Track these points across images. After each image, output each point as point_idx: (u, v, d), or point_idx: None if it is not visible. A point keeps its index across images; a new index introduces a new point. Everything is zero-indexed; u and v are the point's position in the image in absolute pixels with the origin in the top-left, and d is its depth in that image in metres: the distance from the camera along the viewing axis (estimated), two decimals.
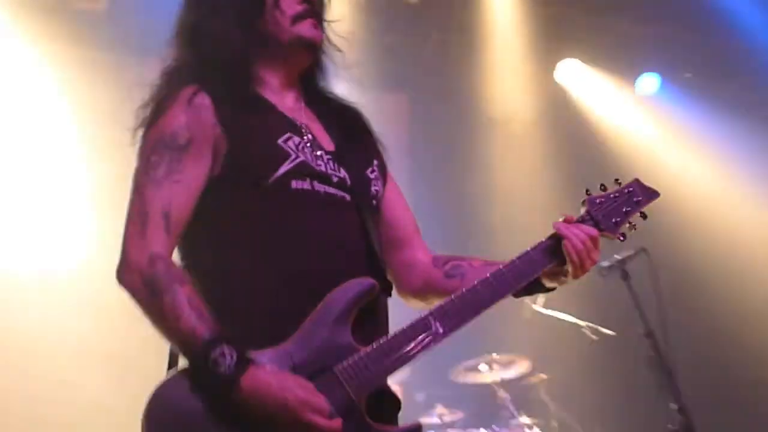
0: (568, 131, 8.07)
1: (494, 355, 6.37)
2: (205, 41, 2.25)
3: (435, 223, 7.23)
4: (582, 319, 6.30)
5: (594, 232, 2.23)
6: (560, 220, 2.17)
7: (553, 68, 7.98)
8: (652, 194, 2.45)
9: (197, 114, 2.07)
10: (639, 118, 8.14)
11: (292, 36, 2.28)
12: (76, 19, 6.67)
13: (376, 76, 7.21)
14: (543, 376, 6.48)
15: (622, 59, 7.99)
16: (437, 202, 7.29)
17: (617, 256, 4.84)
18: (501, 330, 6.54)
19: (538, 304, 6.32)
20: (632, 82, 8.13)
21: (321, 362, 1.96)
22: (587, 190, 2.38)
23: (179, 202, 2.01)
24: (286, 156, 2.12)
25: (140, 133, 2.10)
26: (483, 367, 6.37)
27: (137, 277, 1.87)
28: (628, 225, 2.39)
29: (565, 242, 2.18)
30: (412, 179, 7.61)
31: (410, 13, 7.42)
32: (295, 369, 1.94)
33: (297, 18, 2.30)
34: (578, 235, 2.19)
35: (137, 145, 2.07)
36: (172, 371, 1.94)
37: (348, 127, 2.46)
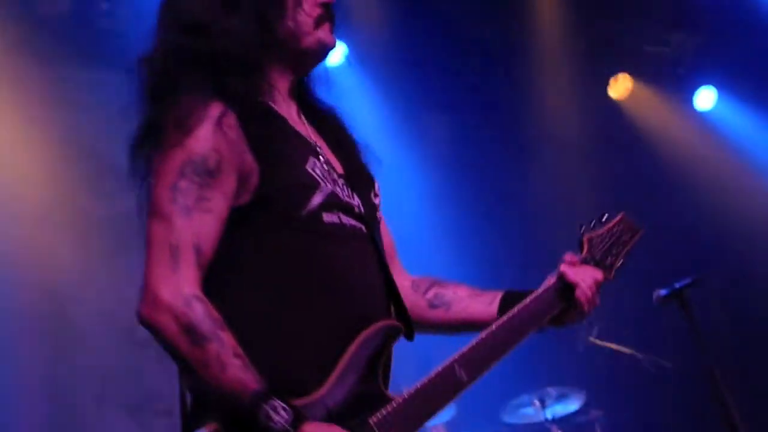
0: (622, 148, 7.88)
1: (547, 389, 6.16)
2: (216, 36, 2.01)
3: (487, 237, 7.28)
4: (639, 351, 6.13)
5: (600, 276, 2.23)
6: (564, 258, 2.14)
7: (606, 84, 7.81)
8: (636, 230, 2.48)
9: (227, 137, 1.87)
10: (696, 134, 7.91)
11: (313, 41, 2.12)
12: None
13: (422, 96, 7.26)
14: (598, 412, 6.27)
15: (677, 74, 7.82)
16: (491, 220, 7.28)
17: (676, 284, 4.51)
18: (554, 364, 6.48)
19: (592, 335, 6.16)
20: (688, 96, 7.92)
21: (355, 412, 1.86)
22: (581, 225, 2.38)
23: (210, 234, 1.83)
24: (315, 185, 1.95)
25: (153, 150, 1.85)
26: (536, 403, 6.17)
27: (171, 319, 1.68)
28: (620, 264, 2.41)
29: (577, 291, 2.17)
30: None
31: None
32: (332, 419, 1.83)
33: (319, 21, 2.13)
34: (587, 281, 2.19)
35: (147, 163, 1.86)
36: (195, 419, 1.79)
37: (342, 140, 2.29)
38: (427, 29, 6.98)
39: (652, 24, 7.68)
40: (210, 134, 1.84)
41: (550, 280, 2.16)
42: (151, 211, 1.80)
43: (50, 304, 5.57)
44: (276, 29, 2.10)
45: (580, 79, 7.75)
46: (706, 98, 7.95)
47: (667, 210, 7.43)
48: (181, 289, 1.71)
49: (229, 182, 1.82)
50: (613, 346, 6.25)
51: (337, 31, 2.18)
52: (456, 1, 7.08)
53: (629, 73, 7.61)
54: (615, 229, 2.39)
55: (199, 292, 1.73)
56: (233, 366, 1.68)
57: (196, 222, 1.78)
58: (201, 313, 1.70)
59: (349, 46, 6.75)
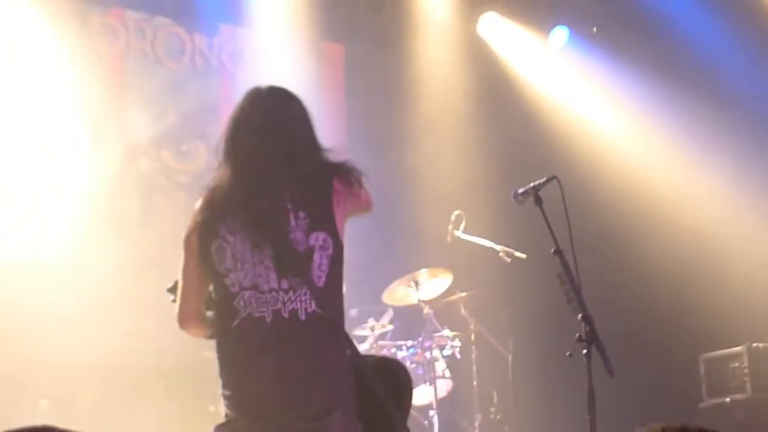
0: (489, 84, 8.37)
1: (420, 271, 6.61)
2: None
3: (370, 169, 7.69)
4: (499, 244, 6.58)
5: None
6: None
7: (476, 21, 8.24)
8: None
9: None
10: (553, 69, 8.38)
11: None
12: None
13: (317, 26, 7.80)
14: (463, 294, 6.80)
15: (538, 12, 8.30)
16: (372, 147, 7.57)
17: (531, 183, 5.05)
18: (426, 253, 7.13)
19: (459, 230, 6.69)
20: (546, 34, 8.40)
21: None
22: None
23: None
24: None
25: None
26: (411, 285, 6.63)
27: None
28: None
29: None
30: (349, 123, 8.39)
31: None
32: None
33: None
34: None
35: None
36: None
37: None
38: None
39: None
40: None
41: None
42: None
43: None
44: None
45: (454, 14, 8.18)
46: (560, 37, 8.34)
47: (524, 123, 8.12)
48: None
49: None
50: (474, 239, 6.74)
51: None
52: None
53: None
54: None
55: None
56: None
57: None
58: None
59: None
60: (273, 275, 2.79)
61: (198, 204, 2.97)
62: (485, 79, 8.47)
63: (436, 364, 6.66)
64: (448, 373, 6.78)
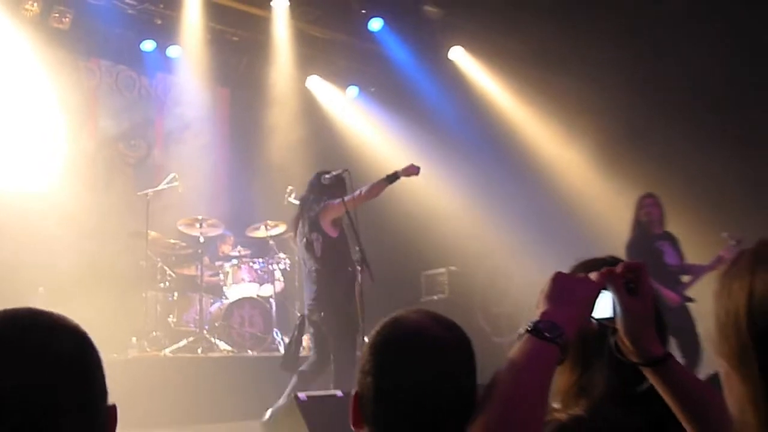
0: (317, 128, 9.69)
1: (268, 221, 8.25)
2: None
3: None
4: None
5: None
6: None
7: (305, 80, 9.76)
8: None
9: None
10: (350, 114, 9.96)
11: None
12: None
13: (213, 75, 9.08)
14: (291, 234, 6.95)
15: (340, 75, 9.74)
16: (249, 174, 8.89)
17: (334, 172, 5.79)
18: (274, 211, 8.46)
19: (292, 197, 7.75)
20: (345, 90, 9.82)
21: None
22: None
23: None
24: None
25: None
26: (268, 224, 8.29)
27: None
28: None
29: None
30: (231, 157, 9.50)
31: (248, 19, 8.90)
32: None
33: None
34: None
35: None
36: None
37: None
38: None
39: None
40: None
41: None
42: None
43: None
44: None
45: (291, 73, 9.19)
46: (352, 93, 9.73)
47: (333, 145, 9.29)
48: None
49: None
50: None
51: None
52: None
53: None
54: None
55: None
56: None
57: None
58: None
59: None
60: None
61: None
62: (311, 117, 9.79)
63: (275, 272, 8.29)
64: (281, 278, 8.43)
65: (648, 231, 6.40)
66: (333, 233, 5.81)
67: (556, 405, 1.60)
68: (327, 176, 5.62)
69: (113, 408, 1.05)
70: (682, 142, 7.65)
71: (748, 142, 7.78)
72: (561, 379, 1.61)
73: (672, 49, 7.95)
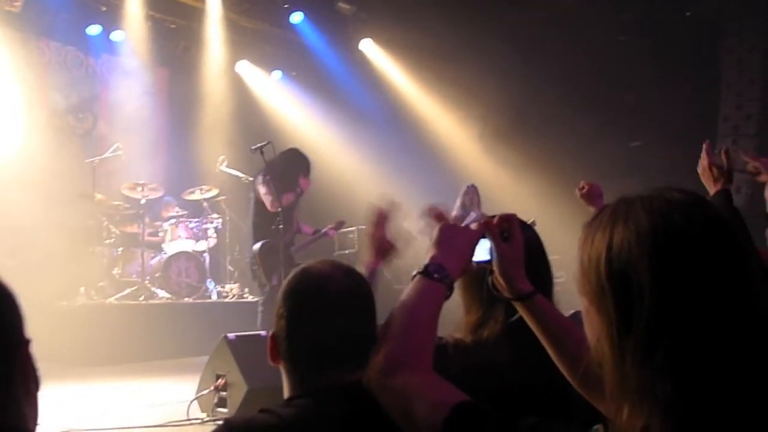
0: (245, 106, 9.75)
1: (203, 186, 8.54)
2: None
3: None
4: (242, 172, 7.61)
5: None
6: None
7: (234, 65, 9.81)
8: None
9: None
10: (275, 95, 10.00)
11: None
12: None
13: (153, 56, 8.98)
14: (223, 197, 8.69)
15: (267, 60, 9.90)
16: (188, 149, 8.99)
17: (260, 144, 5.71)
18: (208, 177, 8.66)
19: (224, 165, 7.98)
20: (270, 74, 9.95)
21: None
22: None
23: None
24: None
25: None
26: (197, 191, 8.54)
27: None
28: None
29: None
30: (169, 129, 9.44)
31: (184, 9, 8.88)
32: None
33: None
34: None
35: None
36: None
37: None
38: None
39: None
40: None
41: None
42: None
43: None
44: None
45: (224, 59, 9.27)
46: (276, 76, 9.83)
47: (261, 125, 9.42)
48: None
49: None
50: (228, 170, 8.06)
51: None
52: None
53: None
54: None
55: None
56: None
57: None
58: None
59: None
60: None
61: None
62: (240, 98, 9.89)
63: (208, 231, 8.51)
64: (214, 235, 8.61)
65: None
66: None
67: (458, 335, 1.63)
68: (252, 148, 5.81)
69: (24, 346, 0.96)
70: (556, 124, 8.24)
71: (610, 123, 8.40)
72: (467, 316, 1.68)
73: (550, 46, 8.37)
